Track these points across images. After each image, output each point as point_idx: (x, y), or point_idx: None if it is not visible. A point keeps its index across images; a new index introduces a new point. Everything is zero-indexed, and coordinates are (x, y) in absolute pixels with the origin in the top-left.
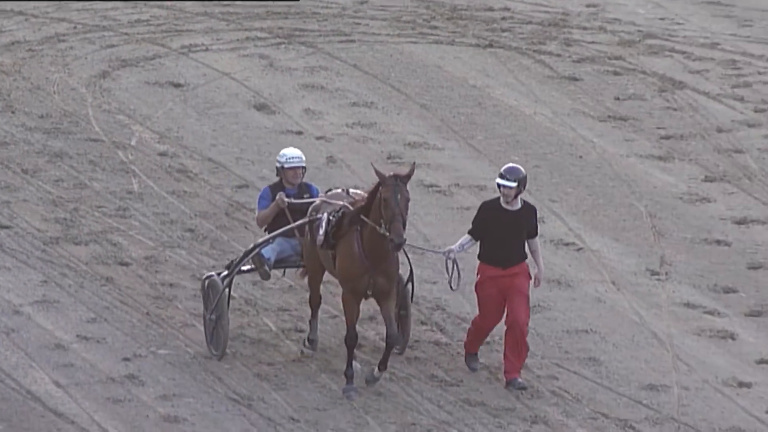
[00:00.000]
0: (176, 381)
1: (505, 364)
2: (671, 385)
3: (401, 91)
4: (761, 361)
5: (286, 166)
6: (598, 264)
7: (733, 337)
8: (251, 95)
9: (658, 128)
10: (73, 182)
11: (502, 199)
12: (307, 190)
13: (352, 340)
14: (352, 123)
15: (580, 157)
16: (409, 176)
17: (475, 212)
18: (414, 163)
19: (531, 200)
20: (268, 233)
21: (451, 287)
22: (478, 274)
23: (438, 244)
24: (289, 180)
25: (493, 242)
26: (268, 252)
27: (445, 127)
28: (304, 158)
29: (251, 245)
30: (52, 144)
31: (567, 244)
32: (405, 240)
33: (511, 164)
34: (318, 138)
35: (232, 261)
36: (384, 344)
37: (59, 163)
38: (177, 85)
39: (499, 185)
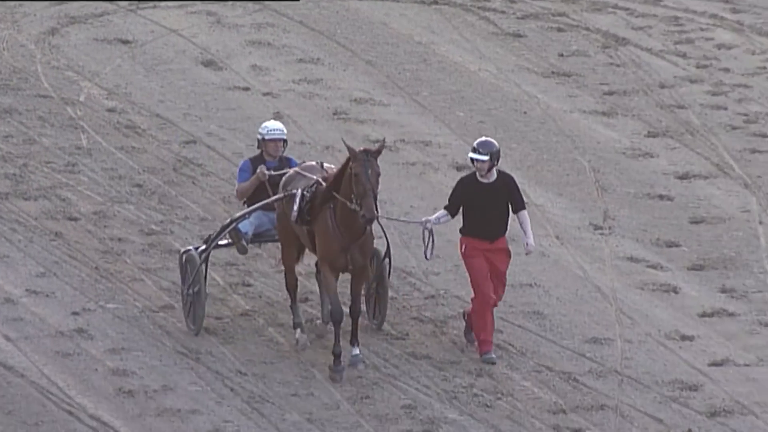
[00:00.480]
0: (125, 335)
1: (481, 343)
2: (614, 338)
3: (347, 47)
4: (703, 315)
5: (267, 137)
6: (542, 219)
7: (675, 290)
8: (198, 52)
9: (602, 84)
10: (22, 138)
11: (477, 173)
12: (287, 163)
13: (338, 315)
14: (299, 79)
15: (525, 112)
16: (379, 152)
17: (420, 168)
18: (384, 139)
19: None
20: (248, 206)
21: (426, 256)
22: (462, 247)
23: (383, 199)
24: (269, 152)
25: (476, 216)
26: (246, 226)
27: (391, 84)
28: (285, 131)
29: (228, 219)
30: (1, 100)
31: None
32: (377, 215)
33: (483, 138)
34: (265, 94)
35: (209, 235)
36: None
37: (8, 119)
38: (125, 42)
39: (472, 159)
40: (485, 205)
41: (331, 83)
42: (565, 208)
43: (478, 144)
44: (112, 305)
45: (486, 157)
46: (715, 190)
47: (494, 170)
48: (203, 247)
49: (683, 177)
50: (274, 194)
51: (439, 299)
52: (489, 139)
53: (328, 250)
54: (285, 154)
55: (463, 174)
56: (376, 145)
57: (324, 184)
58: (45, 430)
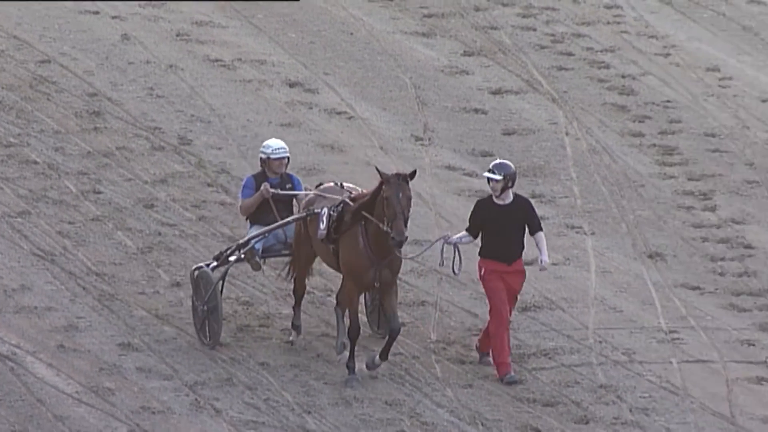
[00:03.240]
0: None
1: (500, 366)
2: (434, 239)
3: None
4: None
5: (272, 156)
6: (367, 131)
7: None
8: None
9: (421, 7)
10: None
11: (493, 194)
12: (288, 180)
13: (355, 332)
14: (144, 3)
15: (351, 33)
16: (411, 176)
17: (255, 84)
18: (416, 171)
19: (307, 75)
20: (250, 222)
21: (454, 272)
22: (481, 269)
23: (222, 114)
24: (273, 170)
25: (493, 238)
26: (257, 243)
27: (229, 7)
28: (287, 149)
29: (245, 238)
30: None
31: (339, 113)
32: (406, 238)
33: (500, 160)
34: (113, 17)
35: (220, 252)
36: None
37: None
38: None
39: (488, 179)
40: (502, 227)
41: (174, 6)
42: (388, 122)
43: (494, 165)
44: None
45: (500, 177)
46: (526, 105)
47: (510, 192)
48: (215, 263)
49: (496, 92)
50: (277, 210)
51: None
52: (506, 161)
53: (357, 266)
54: (286, 171)
55: (295, 90)
56: (409, 171)
57: (351, 204)
58: None
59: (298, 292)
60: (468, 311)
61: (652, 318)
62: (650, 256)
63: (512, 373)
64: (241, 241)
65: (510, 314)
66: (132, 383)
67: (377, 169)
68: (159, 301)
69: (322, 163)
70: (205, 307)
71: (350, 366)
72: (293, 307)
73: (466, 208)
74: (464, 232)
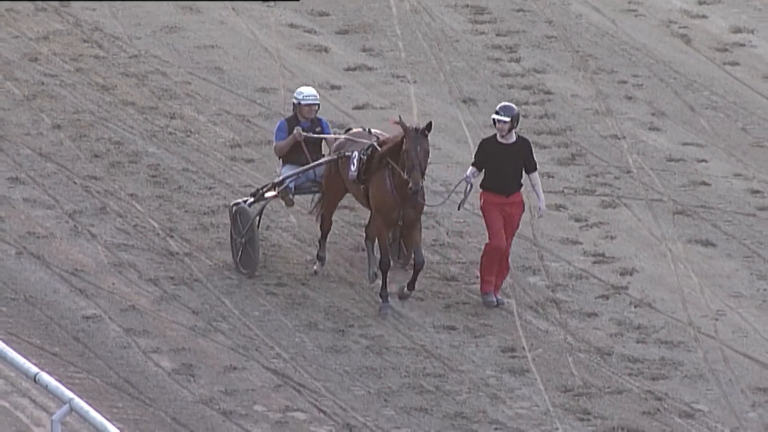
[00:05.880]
0: None
1: (483, 283)
2: (279, 88)
3: None
4: (348, 69)
5: (303, 102)
6: None
7: (326, 50)
8: None
9: None
10: None
11: (498, 134)
12: (318, 123)
13: (386, 265)
14: None
15: None
16: (428, 128)
17: None
18: (431, 123)
19: None
20: (283, 162)
21: (459, 207)
22: (481, 199)
23: None
24: (304, 115)
25: (494, 173)
26: (290, 181)
27: None
28: (317, 96)
29: (280, 177)
30: None
31: None
32: (421, 187)
33: (505, 103)
34: None
35: (257, 189)
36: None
37: None
38: None
39: (494, 120)
40: (503, 164)
41: None
42: None
43: (500, 108)
44: None
45: (507, 119)
46: None
47: (513, 133)
48: (251, 200)
49: None
50: (308, 152)
51: None
52: (511, 104)
53: (384, 204)
54: (317, 116)
55: None
56: (426, 124)
57: (379, 148)
58: None
59: (325, 227)
60: None
61: (466, 154)
62: (464, 101)
63: (492, 297)
64: (276, 180)
65: (509, 244)
66: (19, 212)
67: (400, 120)
68: (42, 141)
69: (181, 22)
70: (243, 240)
71: (383, 295)
72: (319, 240)
73: (307, 61)
74: (472, 167)
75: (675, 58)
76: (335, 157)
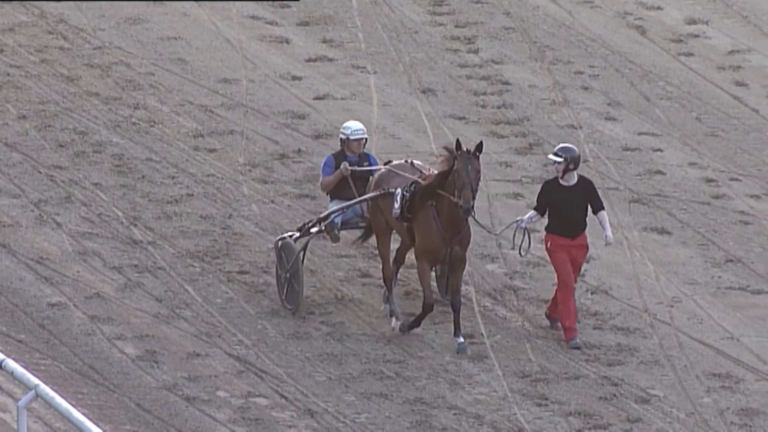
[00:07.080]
0: None
1: (566, 330)
2: (241, 78)
3: None
4: (309, 60)
5: (351, 137)
6: None
7: (287, 41)
8: None
9: None
10: None
11: (557, 175)
12: (366, 158)
13: (429, 307)
14: None
15: None
16: (479, 149)
17: None
18: (482, 142)
19: None
20: (330, 197)
21: (520, 254)
22: (547, 243)
23: None
24: (352, 150)
25: (559, 216)
26: (336, 217)
27: None
28: (365, 130)
29: (326, 212)
30: None
31: None
32: (472, 206)
33: (564, 144)
34: None
35: (304, 224)
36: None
37: None
38: None
39: (552, 161)
40: (566, 206)
41: None
42: None
43: (558, 148)
44: None
45: (561, 159)
46: None
47: (574, 174)
48: (297, 234)
49: None
50: (355, 187)
51: None
52: (571, 146)
53: (430, 242)
54: (364, 150)
55: None
56: (476, 144)
57: (422, 183)
58: None
59: (387, 276)
60: (269, 139)
61: (425, 144)
62: (423, 92)
63: (576, 339)
64: (322, 215)
65: (575, 282)
66: None
67: (446, 147)
68: (8, 131)
69: (145, 14)
70: (288, 274)
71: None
72: (386, 297)
73: (268, 51)
74: (533, 211)
75: (630, 49)
76: (378, 193)
